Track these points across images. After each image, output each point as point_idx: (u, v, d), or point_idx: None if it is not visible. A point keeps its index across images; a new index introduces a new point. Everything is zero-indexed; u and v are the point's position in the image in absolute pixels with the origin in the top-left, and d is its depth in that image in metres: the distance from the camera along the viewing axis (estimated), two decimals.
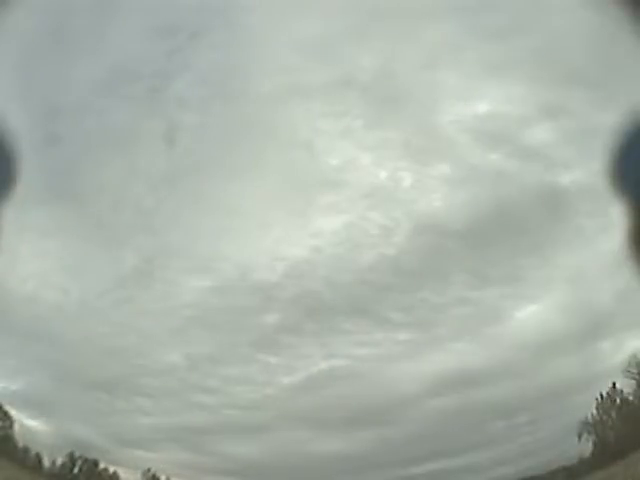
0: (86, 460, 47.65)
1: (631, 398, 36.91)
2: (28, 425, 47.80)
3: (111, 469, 47.86)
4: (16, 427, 42.79)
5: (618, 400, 37.92)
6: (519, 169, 45.80)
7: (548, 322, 49.17)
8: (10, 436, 41.95)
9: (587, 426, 37.90)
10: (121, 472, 51.06)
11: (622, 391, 37.94)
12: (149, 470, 48.69)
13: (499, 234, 47.12)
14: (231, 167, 41.70)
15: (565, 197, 44.39)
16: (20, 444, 43.89)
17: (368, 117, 40.52)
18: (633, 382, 35.86)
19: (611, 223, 43.85)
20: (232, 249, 49.74)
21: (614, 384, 38.16)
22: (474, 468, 59.49)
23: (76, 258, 39.46)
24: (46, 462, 46.65)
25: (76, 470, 47.23)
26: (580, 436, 37.86)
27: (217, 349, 51.74)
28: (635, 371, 35.01)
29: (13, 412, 42.81)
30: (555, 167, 43.96)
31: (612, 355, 51.96)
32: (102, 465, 47.64)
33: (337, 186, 49.98)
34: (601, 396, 38.08)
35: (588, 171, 43.42)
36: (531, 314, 51.15)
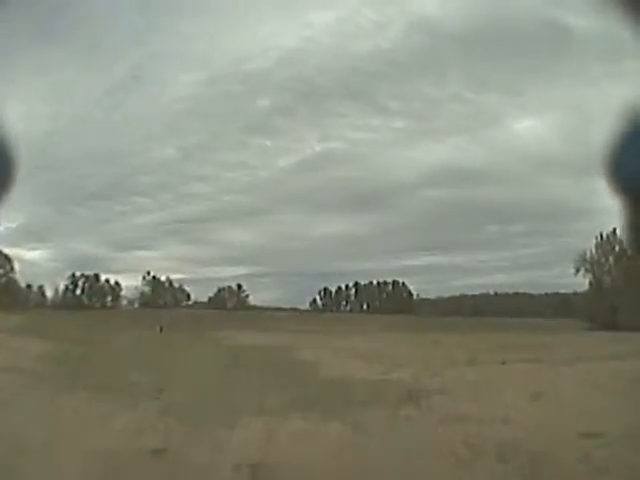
0: (87, 277, 49.66)
1: (630, 252, 37.49)
2: (30, 258, 48.93)
3: (112, 279, 50.13)
4: (17, 266, 43.66)
5: (617, 247, 38.48)
6: None
7: (547, 140, 49.98)
8: (12, 280, 43.10)
9: (585, 263, 38.92)
10: (122, 279, 52.90)
11: (622, 241, 38.59)
12: (149, 273, 50.86)
13: (498, 46, 46.92)
14: None
15: (571, 37, 43.72)
16: (23, 283, 45.25)
17: None
18: None
19: (619, 72, 43.68)
20: (223, 43, 49.91)
21: (614, 230, 38.99)
22: (469, 268, 61.92)
23: (66, 80, 38.73)
24: (49, 292, 48.46)
25: (79, 291, 49.28)
26: (577, 270, 39.14)
27: (211, 137, 53.55)
28: None
29: (14, 250, 42.95)
30: (560, 6, 42.90)
31: (611, 195, 52.61)
32: (103, 277, 49.73)
33: None
34: (601, 236, 38.85)
35: (598, 18, 42.47)
36: (529, 127, 52.24)
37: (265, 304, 55.30)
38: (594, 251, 39.69)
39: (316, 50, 49.20)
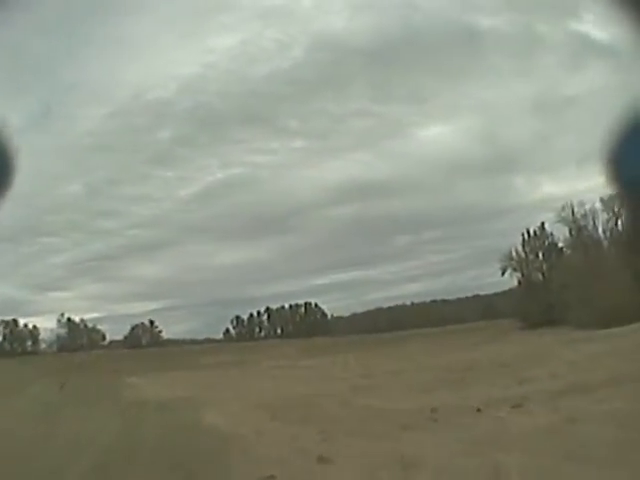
0: (7, 323, 47.00)
1: (560, 244, 35.88)
2: None
3: (32, 323, 47.51)
4: None
5: (546, 242, 36.82)
6: (433, 4, 44.00)
7: (455, 145, 48.99)
8: None
9: (511, 262, 36.87)
10: (41, 322, 50.51)
11: (552, 234, 36.92)
12: (62, 315, 47.99)
13: (406, 56, 45.65)
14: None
15: (483, 38, 42.84)
16: None
17: None
18: (565, 227, 34.08)
19: (530, 70, 42.87)
20: (126, 74, 47.60)
21: (542, 224, 37.90)
22: (382, 280, 60.61)
23: None
24: None
25: (0, 337, 46.45)
26: (504, 271, 37.08)
27: (115, 172, 51.42)
28: (569, 217, 33.12)
29: None
30: (473, 10, 42.30)
31: (527, 192, 51.96)
32: (22, 321, 47.29)
33: (231, 7, 47.47)
34: (528, 233, 37.02)
35: (510, 19, 41.97)
36: (436, 134, 51.09)
37: (180, 337, 54.00)
38: (521, 249, 37.87)
39: (216, 76, 47.67)
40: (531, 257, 37.54)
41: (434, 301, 54.33)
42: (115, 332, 53.44)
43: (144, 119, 51.31)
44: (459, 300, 52.62)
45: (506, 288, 43.34)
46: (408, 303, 54.95)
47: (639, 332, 17.71)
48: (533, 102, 39.93)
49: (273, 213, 53.38)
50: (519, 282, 37.97)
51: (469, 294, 52.13)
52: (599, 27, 34.95)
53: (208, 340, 52.22)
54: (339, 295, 66.18)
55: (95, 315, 59.51)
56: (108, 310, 69.57)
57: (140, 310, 60.74)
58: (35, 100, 44.68)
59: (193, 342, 51.08)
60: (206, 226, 53.58)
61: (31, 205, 47.84)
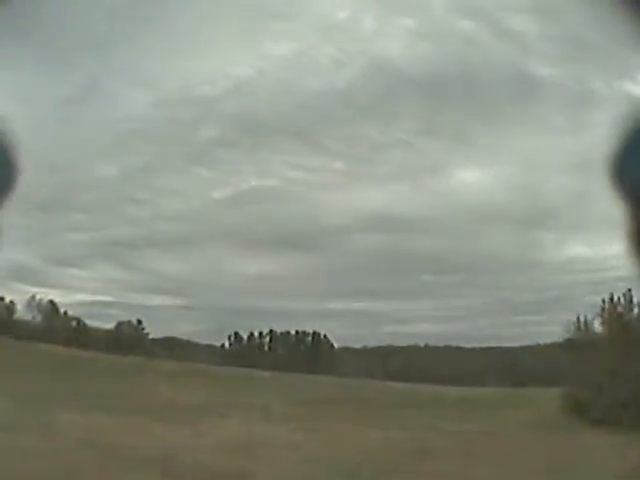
0: None
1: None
2: None
3: (8, 299, 45.03)
4: None
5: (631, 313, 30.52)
6: (491, 45, 41.90)
7: (491, 191, 46.81)
8: None
9: (579, 332, 30.43)
10: (56, 296, 48.29)
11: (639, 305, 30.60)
12: (33, 297, 44.85)
13: (457, 93, 43.40)
14: None
15: (537, 87, 40.57)
16: None
17: None
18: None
19: (578, 125, 40.21)
20: (177, 65, 46.82)
21: (630, 290, 28.82)
22: (398, 316, 57.86)
23: (23, 84, 36.60)
24: None
25: None
26: (568, 341, 30.76)
27: (152, 161, 50.59)
28: None
29: None
30: (531, 56, 40.28)
31: (554, 249, 49.21)
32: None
33: (291, 16, 45.67)
34: (611, 299, 30.20)
35: (567, 71, 39.78)
36: (474, 178, 48.69)
37: (184, 337, 53.36)
38: (592, 318, 30.10)
39: (268, 83, 46.74)
40: (603, 329, 29.57)
41: (448, 346, 52.54)
42: (113, 320, 51.09)
43: (188, 113, 50.49)
44: (476, 350, 49.89)
45: (530, 343, 43.56)
46: (421, 344, 54.23)
47: None
48: (576, 158, 37.53)
49: (300, 230, 52.64)
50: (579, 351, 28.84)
51: (488, 344, 51.04)
52: None
53: (208, 347, 51.86)
54: (350, 323, 63.96)
55: (109, 299, 59.69)
56: (123, 297, 69.58)
57: (148, 303, 61.27)
58: (84, 76, 44.61)
59: (194, 345, 51.11)
60: (231, 231, 53.32)
61: (66, 178, 48.59)
